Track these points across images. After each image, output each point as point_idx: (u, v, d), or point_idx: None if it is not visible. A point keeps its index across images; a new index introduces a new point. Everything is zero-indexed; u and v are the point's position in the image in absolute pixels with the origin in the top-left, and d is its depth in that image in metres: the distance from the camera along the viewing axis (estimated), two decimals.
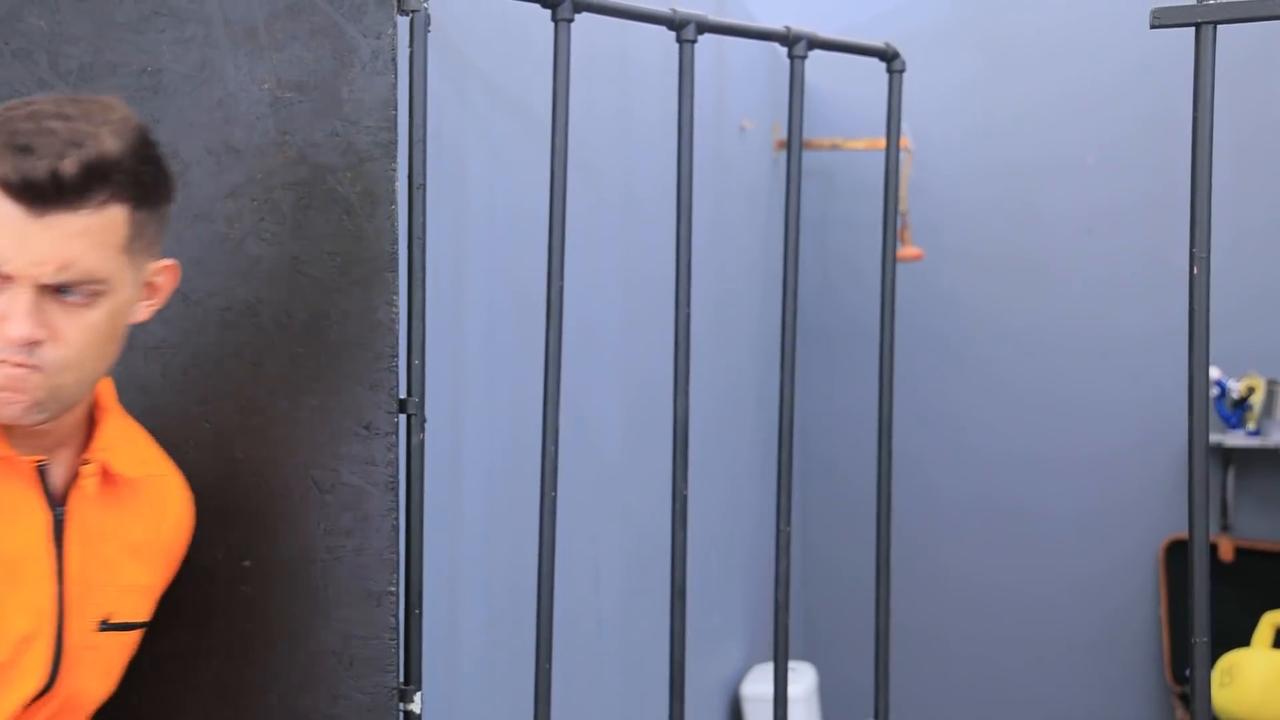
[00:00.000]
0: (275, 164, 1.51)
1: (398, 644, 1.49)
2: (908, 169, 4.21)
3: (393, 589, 1.51)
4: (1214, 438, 4.05)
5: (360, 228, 1.52)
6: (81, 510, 1.24)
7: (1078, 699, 4.20)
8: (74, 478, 1.25)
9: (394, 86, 1.51)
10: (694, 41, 1.80)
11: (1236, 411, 4.10)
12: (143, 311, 1.25)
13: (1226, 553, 4.16)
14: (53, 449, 1.23)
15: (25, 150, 1.10)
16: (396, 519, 1.52)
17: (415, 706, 1.51)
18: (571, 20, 1.70)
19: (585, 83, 2.24)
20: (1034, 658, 4.22)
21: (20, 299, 1.11)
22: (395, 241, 1.53)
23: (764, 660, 3.80)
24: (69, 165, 1.10)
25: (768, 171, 4.05)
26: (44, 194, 1.10)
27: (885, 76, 2.05)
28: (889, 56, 2.03)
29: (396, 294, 1.52)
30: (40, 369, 1.13)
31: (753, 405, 3.84)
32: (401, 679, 1.51)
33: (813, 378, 4.58)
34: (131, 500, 1.31)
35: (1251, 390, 4.13)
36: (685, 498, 1.71)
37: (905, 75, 2.10)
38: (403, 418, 1.55)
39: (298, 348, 1.51)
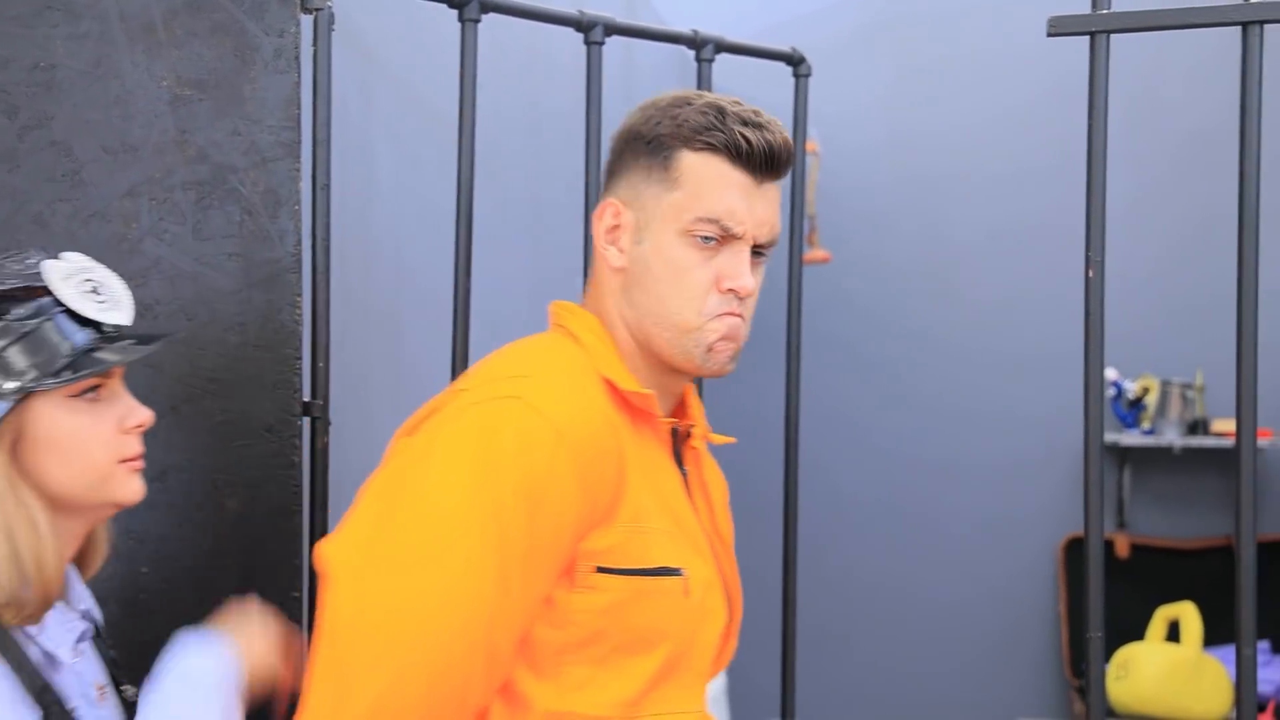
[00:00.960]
0: (175, 163, 1.48)
1: (303, 649, 1.47)
2: (815, 173, 4.26)
3: (296, 593, 1.49)
4: (1110, 437, 4.16)
5: (263, 228, 1.50)
6: (693, 470, 1.33)
7: (980, 695, 4.28)
8: (678, 439, 1.33)
9: (297, 85, 1.50)
10: (602, 43, 1.80)
11: (1132, 411, 4.20)
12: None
13: (1123, 549, 4.27)
14: (668, 413, 1.32)
15: (759, 126, 1.24)
16: (300, 522, 1.50)
17: None
18: (479, 20, 1.69)
19: (493, 83, 2.23)
20: (938, 655, 4.29)
21: (742, 256, 1.23)
22: (299, 242, 1.51)
23: None
24: (784, 142, 1.25)
25: None
26: (767, 164, 1.24)
27: (793, 82, 2.08)
28: (795, 61, 2.05)
29: (300, 295, 1.50)
30: (744, 320, 1.27)
31: None
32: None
33: (720, 380, 4.61)
34: (706, 461, 1.38)
35: (1147, 391, 4.24)
36: None
37: (817, 83, 2.12)
38: (306, 420, 1.53)
39: (197, 350, 1.48)
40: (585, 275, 1.80)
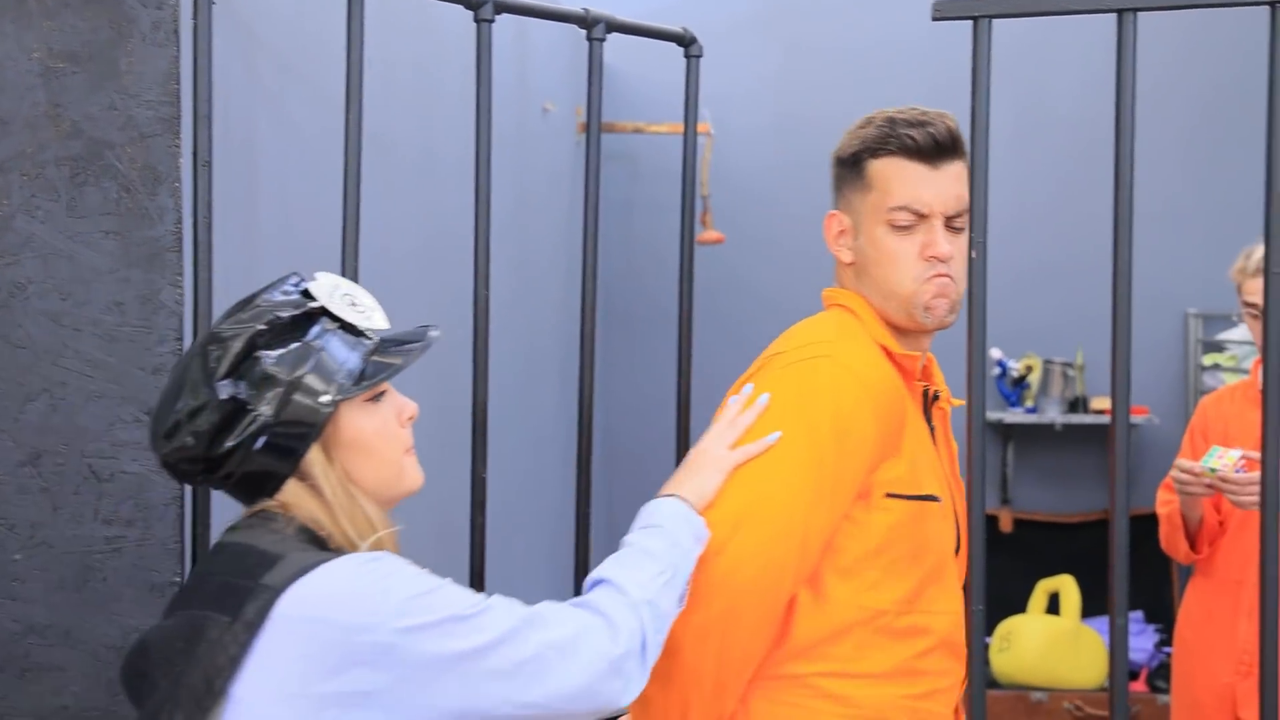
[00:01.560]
0: (47, 137, 1.43)
1: None
2: (709, 154, 4.28)
3: (178, 579, 1.46)
4: (994, 415, 4.26)
5: (141, 206, 1.46)
6: (939, 426, 1.62)
7: None
8: (927, 400, 1.61)
9: (176, 59, 1.46)
10: (491, 21, 1.78)
11: (1016, 390, 4.31)
12: None
13: (1006, 524, 4.38)
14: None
15: (922, 123, 1.55)
16: (181, 507, 1.46)
17: None
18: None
19: (383, 61, 2.20)
20: None
21: (936, 228, 1.54)
22: (179, 221, 1.47)
23: None
24: (948, 130, 1.55)
25: (571, 153, 4.05)
26: (936, 151, 1.54)
27: (685, 62, 2.08)
28: (686, 41, 2.05)
29: (181, 275, 1.47)
30: (953, 279, 1.55)
31: (556, 387, 3.84)
32: None
33: (616, 360, 4.62)
34: (948, 422, 1.66)
35: (1030, 369, 4.35)
36: (484, 481, 1.71)
37: (708, 64, 2.13)
38: None
39: (73, 331, 1.44)
40: (476, 244, 1.79)
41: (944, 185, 1.55)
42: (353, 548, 1.22)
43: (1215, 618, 2.86)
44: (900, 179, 1.56)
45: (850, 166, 1.60)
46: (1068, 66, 4.57)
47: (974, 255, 1.29)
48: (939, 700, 1.54)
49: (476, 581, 1.44)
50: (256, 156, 1.89)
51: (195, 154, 1.50)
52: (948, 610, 1.54)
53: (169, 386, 1.22)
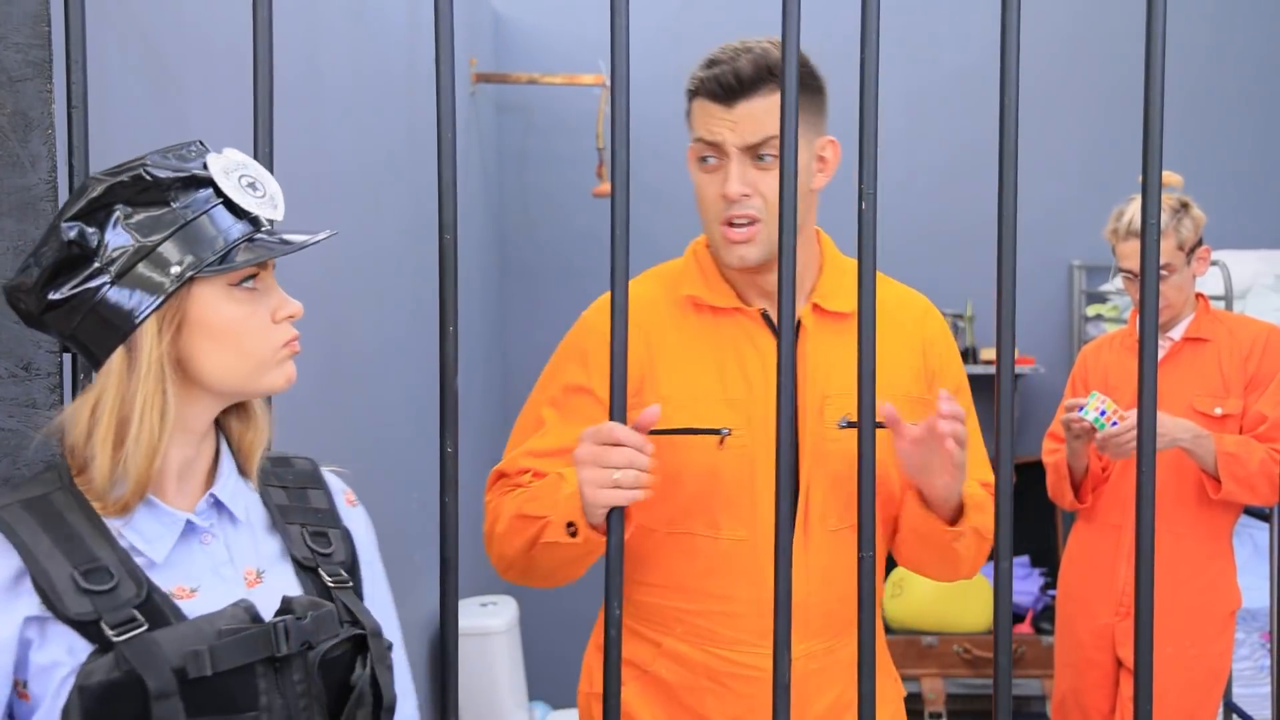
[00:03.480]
0: None
1: None
2: (604, 106, 4.25)
3: None
4: None
5: (12, 153, 1.40)
6: (811, 344, 1.64)
7: None
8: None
9: (46, 0, 1.39)
10: None
11: None
12: (818, 180, 1.66)
13: None
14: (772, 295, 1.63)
15: (715, 63, 1.61)
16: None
17: None
18: None
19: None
20: None
21: (730, 169, 1.58)
22: (54, 169, 1.42)
23: (466, 595, 3.81)
24: (739, 70, 1.58)
25: (465, 104, 3.99)
26: (728, 91, 1.59)
27: (580, 13, 2.05)
28: None
29: None
30: (753, 216, 1.58)
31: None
32: None
33: (516, 311, 4.59)
34: (849, 330, 1.57)
35: None
36: (453, 456, 1.67)
37: (605, 13, 2.09)
38: (67, 358, 1.45)
39: None
40: (440, 190, 1.75)
41: (739, 121, 1.58)
42: (104, 484, 1.16)
43: (1096, 561, 2.95)
44: (701, 119, 1.61)
45: (687, 108, 1.66)
46: (956, 19, 4.62)
47: (864, 206, 1.30)
48: (723, 622, 1.62)
49: (450, 573, 1.38)
50: (129, 100, 1.83)
51: (69, 98, 1.45)
52: (731, 537, 1.62)
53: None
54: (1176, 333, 2.92)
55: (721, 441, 1.60)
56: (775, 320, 1.62)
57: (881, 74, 1.34)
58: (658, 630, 1.67)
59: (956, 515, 1.59)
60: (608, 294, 1.67)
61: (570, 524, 1.54)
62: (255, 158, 1.34)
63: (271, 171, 1.33)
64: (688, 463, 1.61)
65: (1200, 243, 2.88)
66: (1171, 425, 2.71)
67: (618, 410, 1.38)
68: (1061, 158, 4.61)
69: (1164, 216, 2.82)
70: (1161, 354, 2.87)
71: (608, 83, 4.20)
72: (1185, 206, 2.85)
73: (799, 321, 1.65)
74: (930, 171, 4.63)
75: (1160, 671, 2.79)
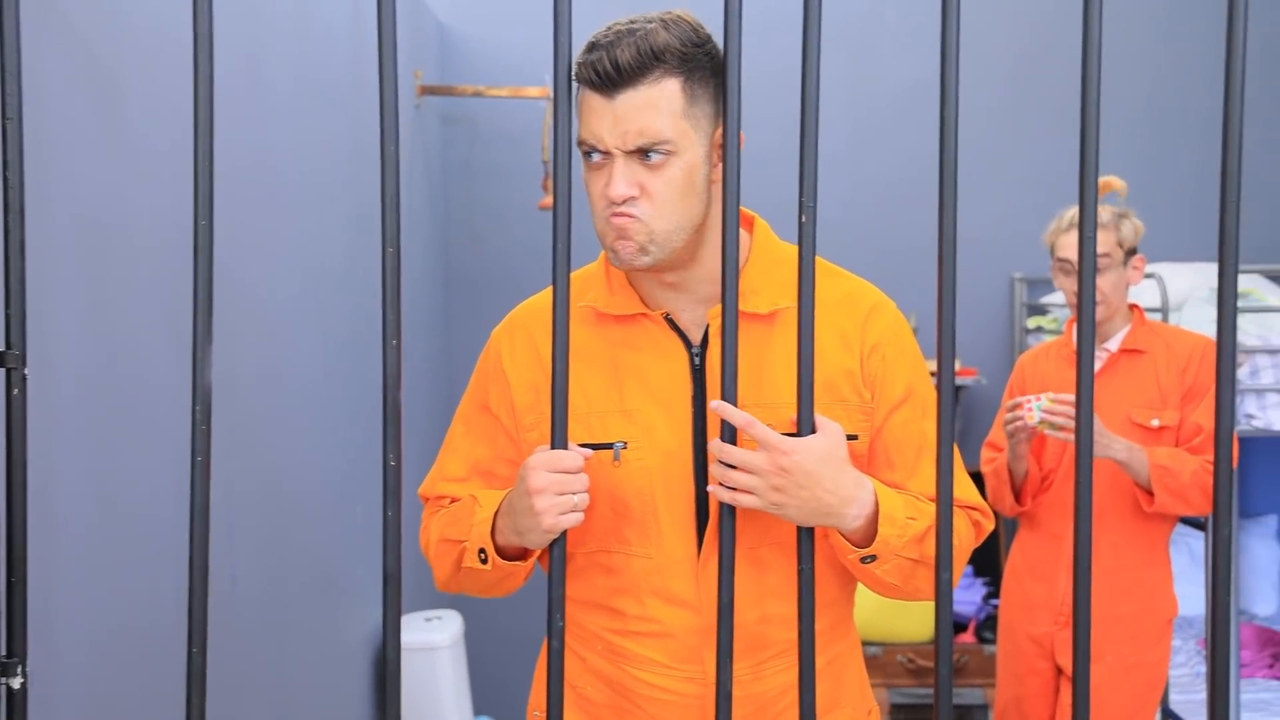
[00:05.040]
0: None
1: None
2: (549, 118, 4.24)
3: None
4: None
5: None
6: (720, 348, 1.44)
7: None
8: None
9: None
10: None
11: None
12: (717, 172, 1.48)
13: None
14: (699, 301, 1.56)
15: (596, 47, 1.43)
16: None
17: (18, 681, 1.40)
18: None
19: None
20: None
21: (615, 167, 1.44)
22: None
23: (410, 611, 3.78)
24: (618, 57, 1.42)
25: (410, 116, 3.98)
26: (608, 80, 1.42)
27: (525, 25, 2.05)
28: None
29: None
30: (638, 218, 1.45)
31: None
32: (3, 652, 1.40)
33: (461, 323, 4.57)
34: (767, 333, 1.54)
35: None
36: (396, 469, 1.66)
37: (545, 27, 2.09)
38: (0, 371, 1.42)
39: None
40: (384, 204, 1.73)
41: (621, 117, 1.42)
42: None
43: (1037, 570, 2.99)
44: (584, 111, 1.46)
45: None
46: (901, 37, 4.67)
47: (804, 219, 1.31)
48: (637, 642, 1.57)
49: (391, 585, 1.34)
50: (69, 112, 1.81)
51: (3, 110, 1.42)
52: (641, 555, 1.55)
53: None
54: (1113, 344, 2.96)
55: (617, 455, 1.53)
56: (681, 324, 1.56)
57: (827, 90, 1.36)
58: (584, 647, 1.63)
59: (869, 538, 1.47)
60: (516, 308, 1.66)
61: (481, 550, 1.53)
62: (196, 166, 1.32)
63: (213, 180, 1.32)
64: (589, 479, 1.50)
65: (1135, 251, 2.94)
66: (1109, 437, 2.76)
67: (559, 434, 1.37)
68: (1004, 173, 4.67)
69: (1105, 214, 2.91)
70: (1098, 366, 2.90)
71: (553, 95, 4.19)
72: (1124, 215, 2.93)
73: (706, 326, 1.56)
74: (875, 185, 4.67)
75: (1099, 680, 2.84)
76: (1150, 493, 2.79)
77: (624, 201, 1.44)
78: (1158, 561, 2.94)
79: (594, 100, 1.44)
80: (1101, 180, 3.06)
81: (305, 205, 2.86)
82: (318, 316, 2.94)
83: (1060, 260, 2.96)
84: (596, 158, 1.46)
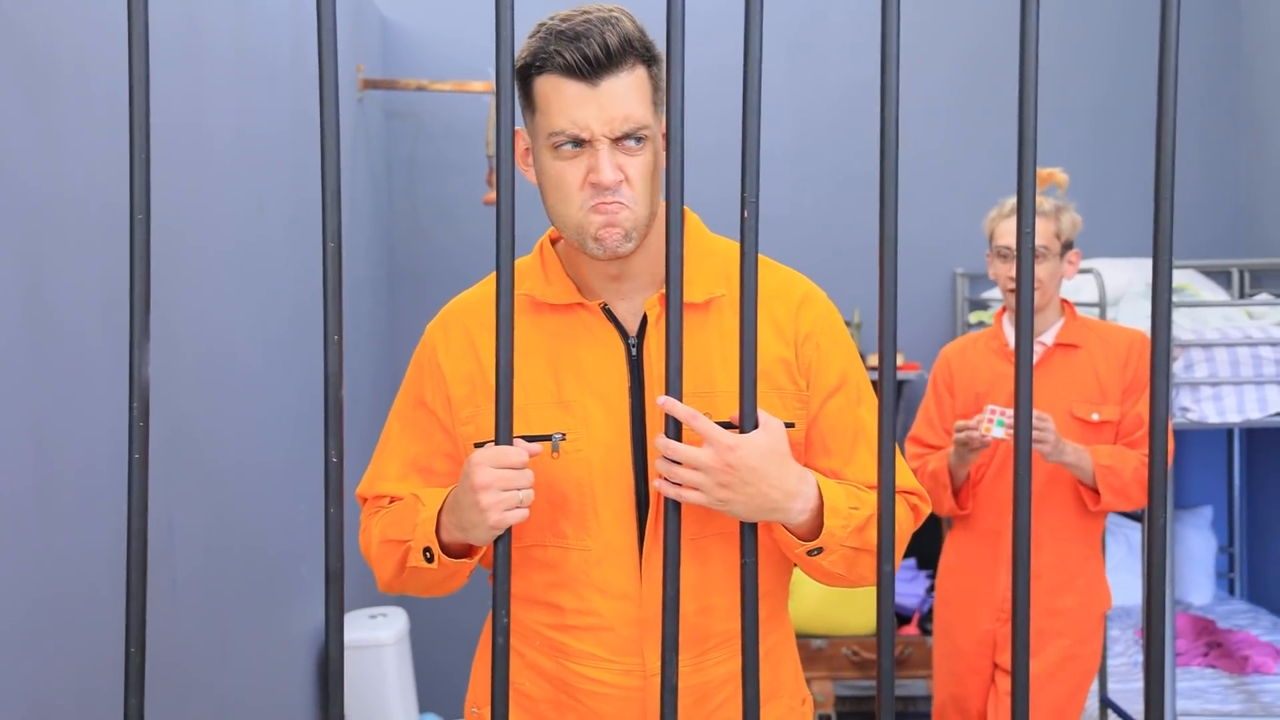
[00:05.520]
0: None
1: None
2: (493, 113, 4.22)
3: None
4: None
5: None
6: (657, 338, 1.53)
7: None
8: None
9: None
10: None
11: None
12: (661, 161, 1.48)
13: None
14: (641, 293, 1.56)
15: (576, 36, 1.42)
16: None
17: None
18: None
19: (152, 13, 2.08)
20: None
21: (600, 154, 1.44)
22: None
23: (355, 607, 3.76)
24: (604, 44, 1.42)
25: (352, 110, 3.95)
26: (593, 68, 1.42)
27: (468, 19, 2.04)
28: None
29: None
30: (625, 204, 1.46)
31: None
32: None
33: (406, 318, 4.55)
34: (700, 322, 1.55)
35: None
36: (338, 466, 1.65)
37: (489, 20, 2.08)
38: None
39: None
40: (324, 197, 1.72)
41: (606, 104, 1.43)
42: None
43: (975, 567, 3.01)
44: (559, 100, 1.44)
45: (521, 82, 1.48)
46: (846, 38, 4.70)
47: (746, 214, 1.31)
48: (575, 636, 1.57)
49: (334, 582, 1.33)
50: (3, 103, 1.78)
51: None
52: (579, 548, 1.55)
53: None
54: (1047, 337, 2.96)
55: (555, 447, 1.53)
56: (618, 314, 1.57)
57: (772, 89, 1.36)
58: (523, 643, 1.61)
59: (814, 530, 1.49)
60: (451, 302, 1.66)
61: (426, 549, 1.52)
62: (131, 160, 1.30)
63: (149, 173, 1.30)
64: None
65: (1072, 245, 2.98)
66: (1064, 443, 2.79)
67: (504, 429, 1.37)
68: (946, 171, 4.71)
69: (1045, 204, 2.93)
70: (1034, 358, 2.95)
71: (496, 89, 4.18)
72: (1064, 209, 2.97)
73: (644, 315, 1.56)
74: (820, 183, 4.70)
75: (1038, 671, 2.87)
76: (1097, 492, 2.83)
77: (615, 186, 1.45)
78: (1095, 555, 2.98)
79: (573, 88, 1.43)
80: (1044, 172, 3.05)
81: (246, 199, 2.83)
82: (259, 311, 2.91)
83: (999, 247, 2.99)
84: (569, 147, 1.45)
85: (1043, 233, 2.88)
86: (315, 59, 1.43)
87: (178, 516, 2.36)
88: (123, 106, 1.40)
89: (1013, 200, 2.97)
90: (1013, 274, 2.77)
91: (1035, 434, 2.71)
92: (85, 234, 1.96)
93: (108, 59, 1.94)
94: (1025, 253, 1.28)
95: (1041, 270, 2.88)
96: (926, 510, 1.66)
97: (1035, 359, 2.92)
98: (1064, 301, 3.01)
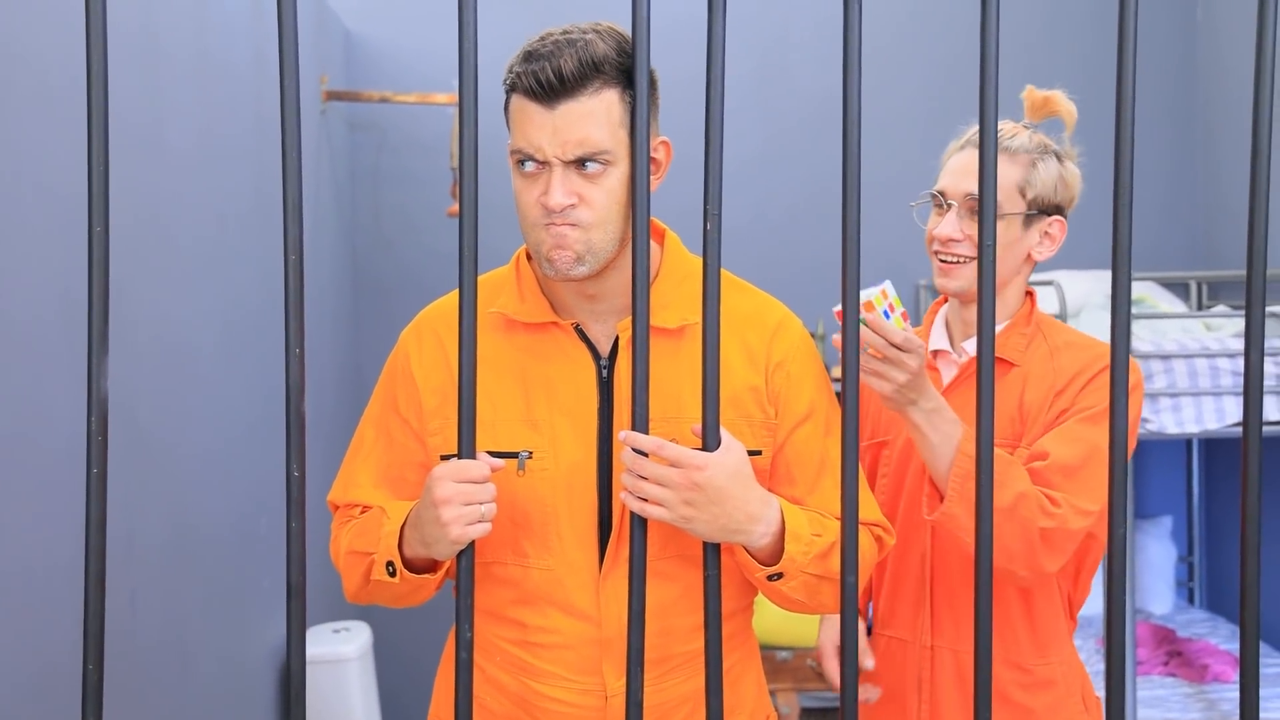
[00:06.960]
0: None
1: None
2: (457, 125, 4.22)
3: None
4: None
5: None
6: (628, 361, 1.51)
7: None
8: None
9: None
10: None
11: None
12: (652, 184, 1.46)
13: None
14: (612, 313, 1.55)
15: (540, 57, 1.44)
16: None
17: None
18: None
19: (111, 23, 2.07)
20: None
21: (554, 176, 1.44)
22: None
23: (318, 621, 3.73)
24: (560, 68, 1.42)
25: (315, 122, 3.93)
26: (550, 91, 1.43)
27: (432, 31, 2.04)
28: None
29: None
30: (578, 226, 1.45)
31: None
32: None
33: (370, 330, 4.53)
34: (674, 348, 1.54)
35: None
36: (300, 479, 1.63)
37: (452, 33, 2.08)
38: None
39: None
40: (285, 209, 1.70)
41: (561, 127, 1.43)
42: None
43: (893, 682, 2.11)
44: (521, 120, 1.46)
45: (505, 101, 1.51)
46: (811, 48, 4.72)
47: (709, 226, 1.32)
48: (536, 654, 1.56)
49: (295, 598, 1.30)
50: None
51: None
52: (540, 566, 1.54)
53: None
54: (973, 346, 2.00)
55: (522, 465, 1.52)
56: (591, 335, 1.57)
57: (738, 102, 1.37)
58: (485, 659, 1.61)
59: (776, 555, 1.49)
60: (426, 309, 1.66)
61: (389, 563, 1.51)
62: (90, 169, 1.29)
63: (108, 184, 1.29)
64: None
65: (1060, 211, 2.05)
66: (920, 391, 1.79)
67: (466, 443, 1.36)
68: (909, 183, 4.74)
69: (1020, 138, 2.05)
70: (952, 373, 2.04)
71: (459, 102, 4.17)
72: (1048, 151, 2.06)
73: (616, 338, 1.56)
74: (786, 196, 4.71)
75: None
76: (942, 496, 1.83)
77: (562, 210, 1.44)
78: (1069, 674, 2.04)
79: (532, 110, 1.44)
80: (1038, 95, 2.20)
81: (206, 210, 2.81)
82: (220, 321, 2.89)
83: (937, 191, 2.06)
84: (531, 166, 1.46)
85: (1003, 179, 1.95)
86: (277, 69, 1.42)
87: (137, 531, 2.34)
88: (81, 110, 1.38)
89: (974, 129, 2.07)
90: (949, 232, 1.99)
91: (880, 364, 1.75)
92: (42, 238, 1.94)
93: (66, 62, 1.93)
94: (986, 275, 1.28)
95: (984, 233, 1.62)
96: (891, 543, 1.67)
97: (953, 374, 2.03)
98: (1028, 293, 2.04)
